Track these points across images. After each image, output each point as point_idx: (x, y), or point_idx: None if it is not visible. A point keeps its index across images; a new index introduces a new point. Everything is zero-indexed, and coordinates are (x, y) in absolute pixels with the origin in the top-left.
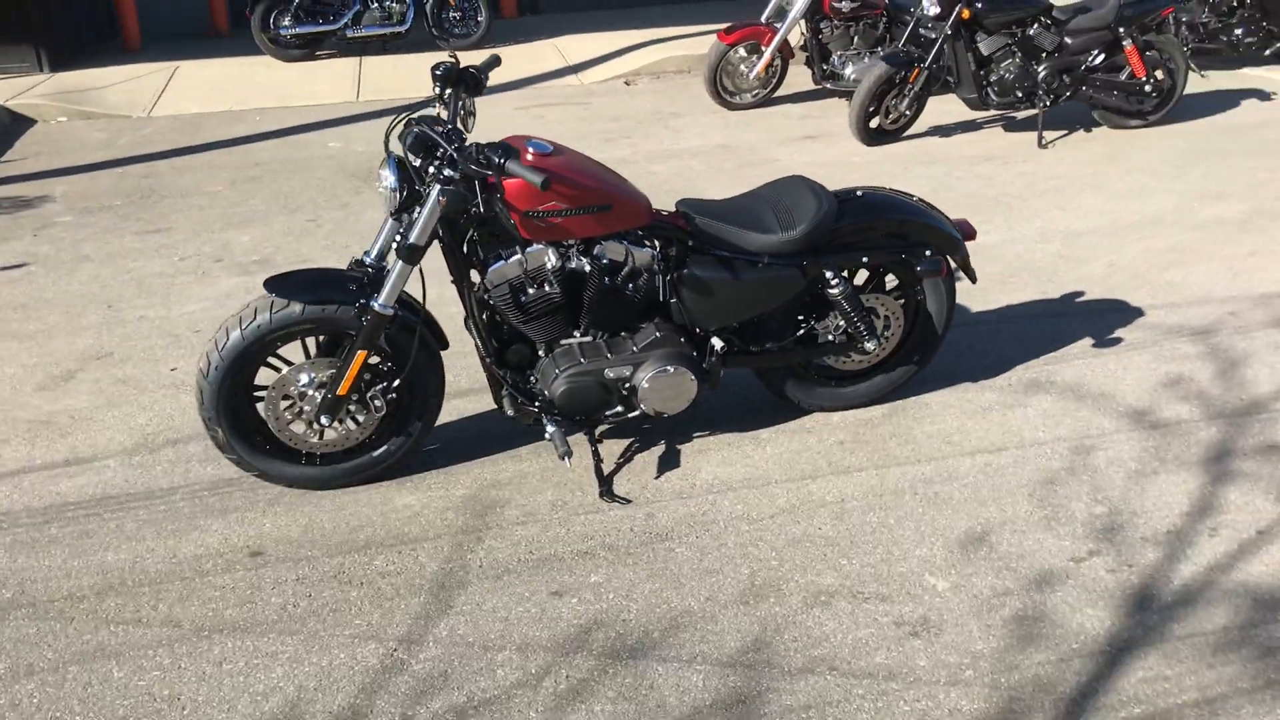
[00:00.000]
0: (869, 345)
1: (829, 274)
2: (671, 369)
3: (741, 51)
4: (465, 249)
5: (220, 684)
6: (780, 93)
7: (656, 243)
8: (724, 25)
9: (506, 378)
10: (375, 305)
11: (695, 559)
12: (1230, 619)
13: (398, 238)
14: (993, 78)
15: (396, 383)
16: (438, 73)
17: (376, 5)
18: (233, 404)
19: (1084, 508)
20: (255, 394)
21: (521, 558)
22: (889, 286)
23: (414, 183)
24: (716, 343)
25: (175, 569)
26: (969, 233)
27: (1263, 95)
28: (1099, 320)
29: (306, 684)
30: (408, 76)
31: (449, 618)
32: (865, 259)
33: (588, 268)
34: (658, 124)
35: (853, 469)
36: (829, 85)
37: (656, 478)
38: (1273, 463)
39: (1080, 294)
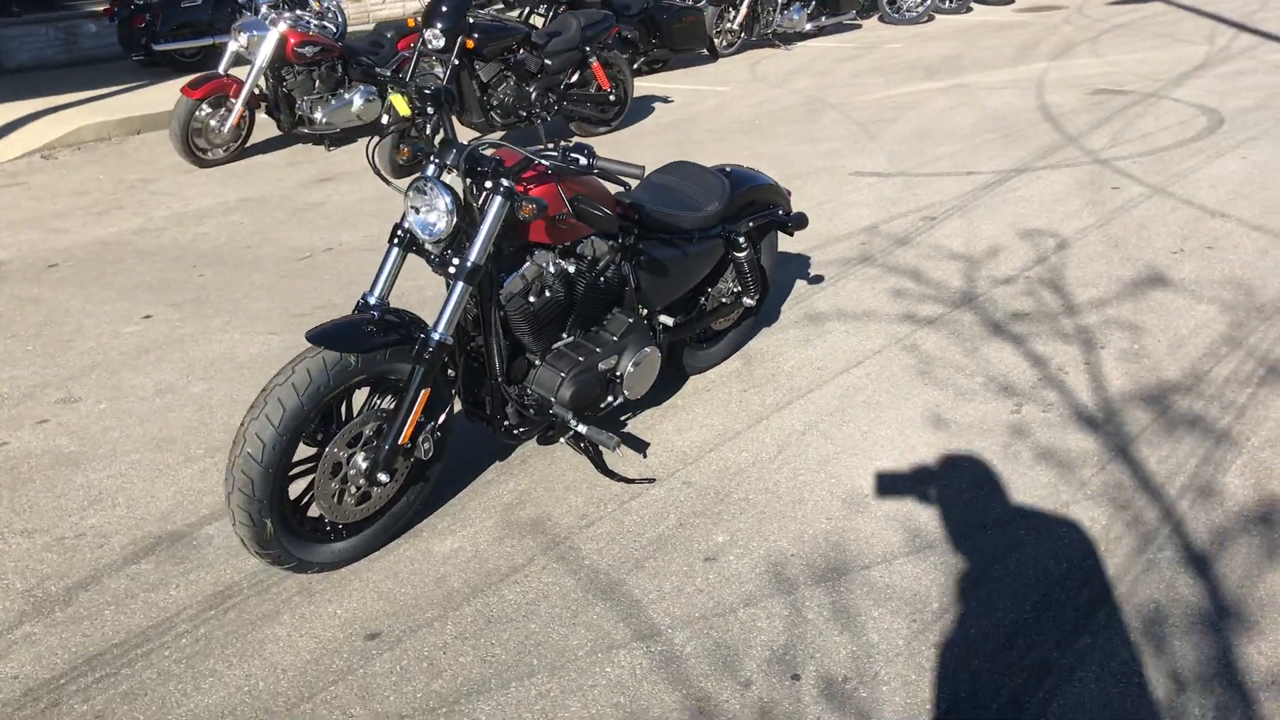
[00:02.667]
0: (750, 301)
1: (740, 240)
2: (647, 350)
3: (206, 107)
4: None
5: None
6: (250, 142)
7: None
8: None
9: (512, 394)
10: (435, 337)
11: (767, 500)
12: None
13: (454, 264)
14: (494, 101)
15: (442, 419)
16: (426, 92)
17: None
18: (282, 487)
19: (969, 378)
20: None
21: (631, 548)
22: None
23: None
24: (667, 320)
25: (316, 676)
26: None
27: (666, 99)
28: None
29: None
30: None
31: (657, 608)
32: (752, 223)
33: (572, 269)
34: (140, 191)
35: (782, 405)
36: (302, 131)
37: (645, 457)
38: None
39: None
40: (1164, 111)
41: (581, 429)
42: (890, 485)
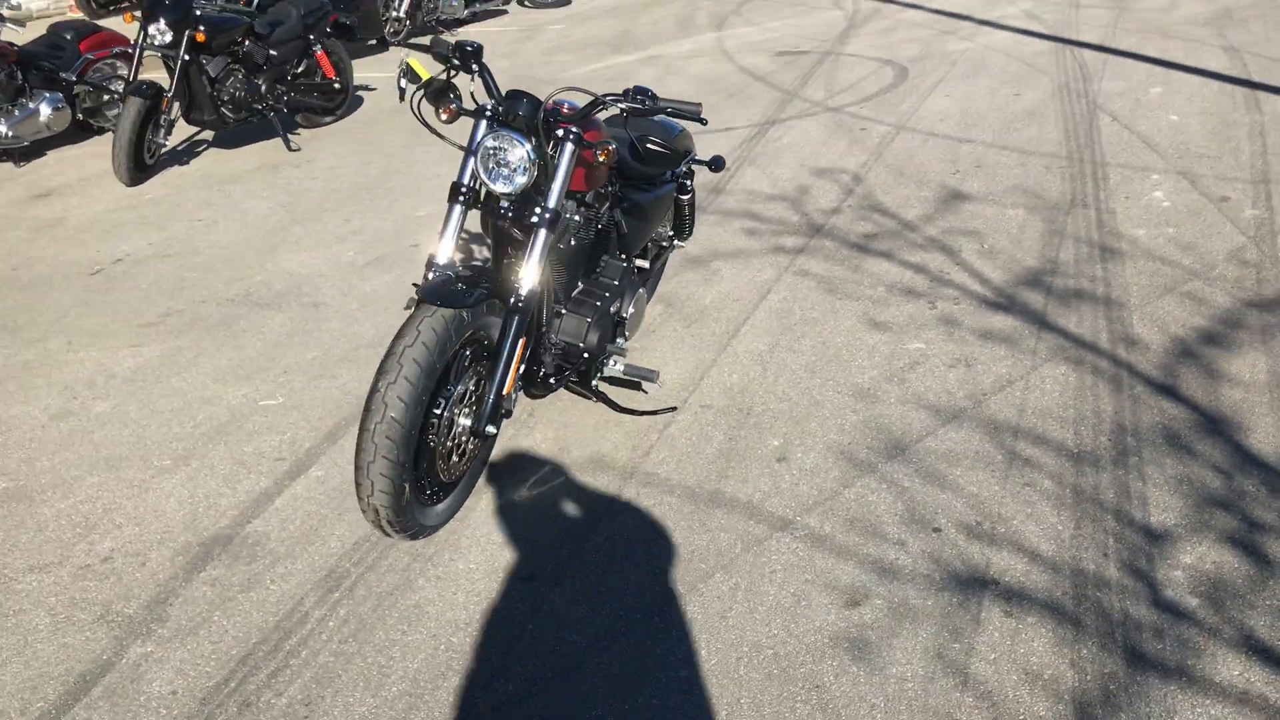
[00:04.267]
0: (682, 242)
1: (687, 183)
2: (641, 292)
3: None
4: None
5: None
6: None
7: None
8: None
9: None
10: (526, 286)
11: (788, 407)
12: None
13: (536, 213)
14: (225, 97)
15: (522, 369)
16: (468, 49)
17: None
18: (416, 450)
19: (872, 289)
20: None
21: (701, 464)
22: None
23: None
24: (643, 263)
25: (506, 620)
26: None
27: (367, 87)
28: None
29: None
30: None
31: (773, 504)
32: (690, 166)
33: (588, 214)
34: None
35: (732, 333)
36: None
37: (645, 393)
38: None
39: None
40: (852, 66)
41: (620, 369)
42: (884, 377)
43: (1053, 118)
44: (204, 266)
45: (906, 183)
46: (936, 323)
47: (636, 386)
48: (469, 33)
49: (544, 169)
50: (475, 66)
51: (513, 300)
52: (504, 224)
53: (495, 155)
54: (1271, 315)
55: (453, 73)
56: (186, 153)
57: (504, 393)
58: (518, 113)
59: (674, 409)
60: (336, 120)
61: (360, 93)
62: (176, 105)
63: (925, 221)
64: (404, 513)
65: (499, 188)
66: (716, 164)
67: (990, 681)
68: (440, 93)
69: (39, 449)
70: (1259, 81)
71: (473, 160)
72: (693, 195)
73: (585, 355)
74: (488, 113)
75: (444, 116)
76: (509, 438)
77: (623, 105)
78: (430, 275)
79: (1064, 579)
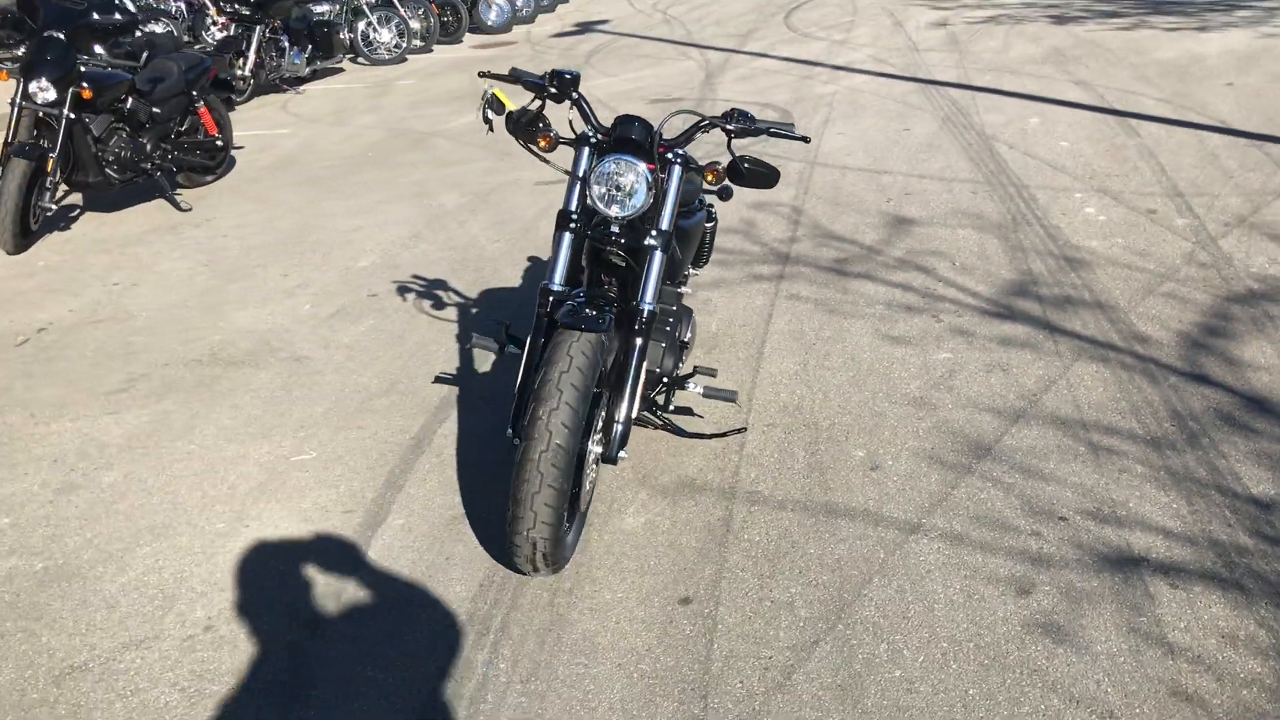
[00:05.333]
0: (696, 271)
1: (713, 209)
2: (694, 316)
3: None
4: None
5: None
6: None
7: None
8: None
9: None
10: (648, 307)
11: (853, 419)
12: None
13: (652, 235)
14: (110, 157)
15: None
16: (566, 77)
17: None
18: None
19: (871, 306)
20: None
21: (797, 480)
22: None
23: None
24: (686, 289)
25: (670, 643)
26: None
27: (237, 146)
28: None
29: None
30: None
31: (891, 509)
32: (707, 197)
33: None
34: None
35: (755, 355)
36: None
37: (702, 417)
38: None
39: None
40: None
41: (700, 390)
42: (929, 386)
43: (952, 148)
44: (148, 330)
45: (848, 212)
46: (950, 334)
47: (689, 411)
48: (314, 91)
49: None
50: (575, 95)
51: (636, 323)
52: (610, 249)
53: (613, 180)
54: (1252, 307)
55: (542, 102)
56: (60, 217)
57: (631, 416)
58: (631, 136)
59: (744, 430)
60: (217, 179)
61: (232, 151)
62: (59, 165)
63: (886, 245)
64: (559, 545)
65: (615, 212)
66: (725, 194)
67: (1194, 647)
68: (531, 122)
69: (61, 525)
70: (1121, 109)
71: (579, 187)
72: (716, 223)
73: (663, 381)
74: (593, 139)
75: (542, 145)
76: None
77: (730, 127)
78: (545, 303)
79: (1205, 550)
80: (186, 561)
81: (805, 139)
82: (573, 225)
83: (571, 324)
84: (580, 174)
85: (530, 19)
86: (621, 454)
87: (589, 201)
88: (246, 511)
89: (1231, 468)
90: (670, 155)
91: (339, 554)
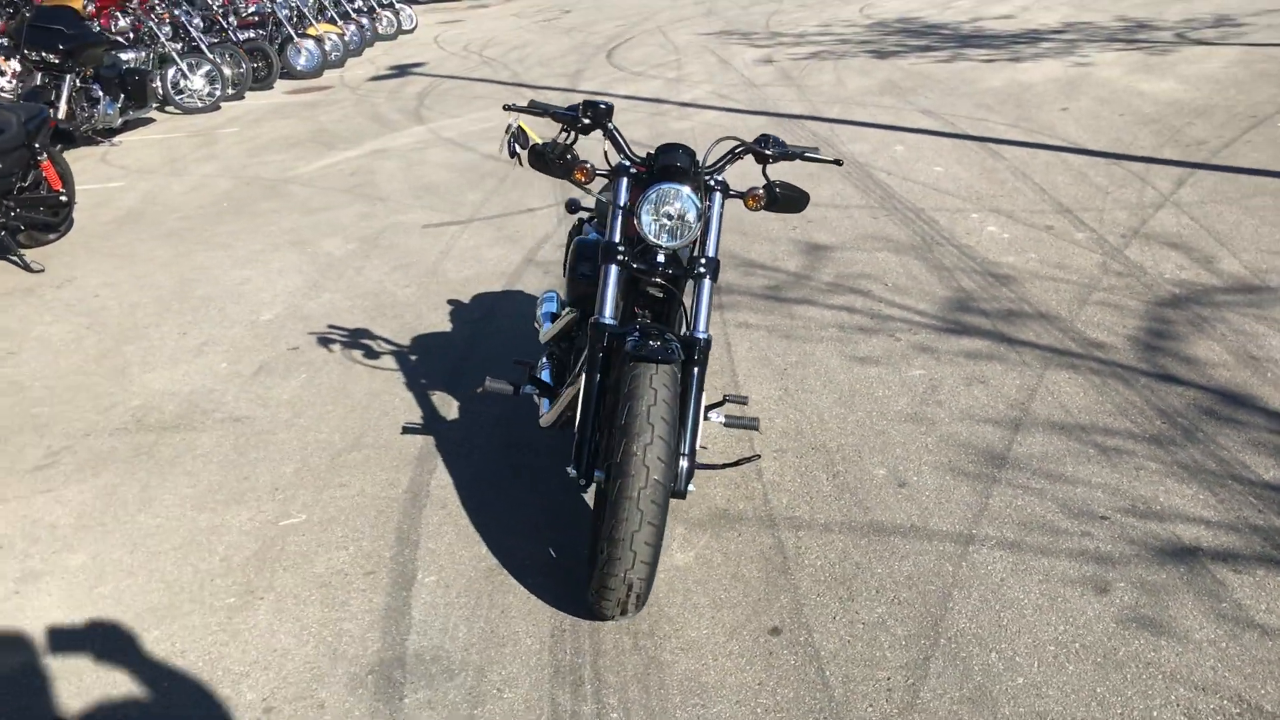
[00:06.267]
0: None
1: None
2: None
3: None
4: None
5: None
6: None
7: None
8: None
9: None
10: (703, 336)
11: (860, 440)
12: None
13: (701, 264)
14: None
15: None
16: (601, 107)
17: None
18: None
19: (825, 330)
20: None
21: (828, 503)
22: None
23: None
24: None
25: (769, 677)
26: None
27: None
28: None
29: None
30: None
31: (936, 523)
32: None
33: None
34: None
35: (728, 384)
36: None
37: (705, 448)
38: None
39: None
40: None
41: (722, 420)
42: (919, 402)
43: (834, 177)
44: (49, 400)
45: (758, 240)
46: (915, 351)
47: None
48: (131, 141)
49: None
50: (610, 125)
51: (694, 354)
52: (654, 281)
53: (663, 209)
54: (1183, 310)
55: (570, 135)
56: None
57: (695, 446)
58: (677, 164)
59: (758, 456)
60: (60, 236)
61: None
62: None
63: (812, 270)
64: (651, 586)
65: (665, 242)
66: None
67: None
68: (560, 155)
69: (40, 617)
70: (976, 135)
71: (620, 218)
72: None
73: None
74: (632, 170)
75: (579, 178)
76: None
77: (768, 152)
78: (601, 338)
79: (1249, 535)
80: (209, 642)
81: (839, 162)
82: (620, 257)
83: (648, 356)
84: (621, 205)
85: (340, 63)
86: (690, 487)
87: (640, 232)
88: (254, 582)
89: (1236, 458)
90: (712, 183)
91: (381, 617)
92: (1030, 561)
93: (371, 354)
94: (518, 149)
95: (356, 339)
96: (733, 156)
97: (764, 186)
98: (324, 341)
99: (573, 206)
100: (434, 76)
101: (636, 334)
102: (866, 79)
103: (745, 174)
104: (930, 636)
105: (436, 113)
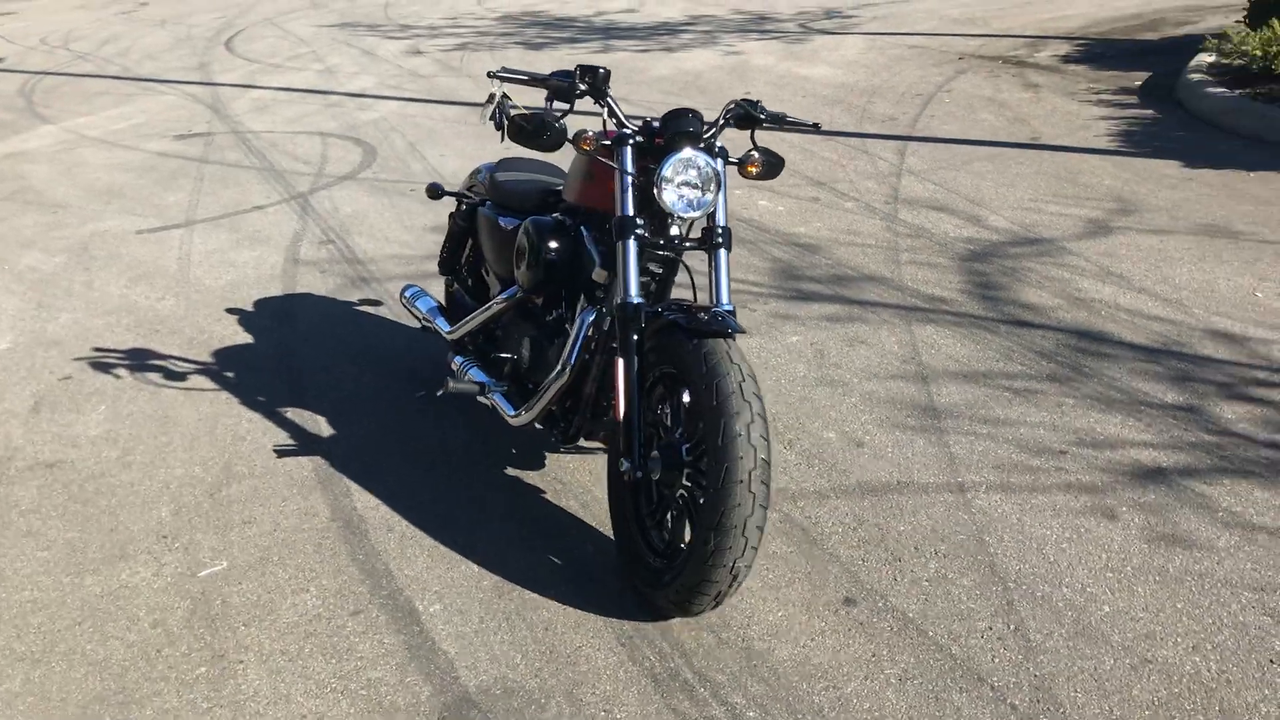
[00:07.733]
0: None
1: None
2: None
3: None
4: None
5: None
6: None
7: None
8: None
9: None
10: (727, 309)
11: (789, 411)
12: None
13: (719, 234)
14: None
15: None
16: (600, 72)
17: None
18: None
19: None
20: None
21: (847, 504)
22: None
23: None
24: None
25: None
26: None
27: None
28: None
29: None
30: None
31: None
32: None
33: None
34: None
35: None
36: None
37: None
38: None
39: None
40: (294, 143)
41: None
42: (815, 365)
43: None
44: None
45: None
46: (777, 319)
47: None
48: None
49: None
50: (608, 89)
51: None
52: (665, 254)
53: (684, 178)
54: (989, 263)
55: (569, 104)
56: None
57: None
58: (688, 130)
59: None
60: None
61: None
62: None
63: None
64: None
65: (685, 211)
66: None
67: None
68: (547, 127)
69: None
70: None
71: (631, 190)
72: None
73: None
74: (636, 138)
75: (585, 149)
76: (594, 499)
77: (762, 116)
78: (637, 318)
79: (1196, 450)
80: (224, 715)
81: (816, 126)
82: (638, 231)
83: (717, 330)
84: (632, 174)
85: None
86: None
87: (660, 204)
88: (216, 645)
89: (1132, 386)
90: (717, 150)
91: (408, 658)
92: (1030, 500)
93: (173, 375)
94: (505, 120)
95: (143, 361)
96: (726, 121)
97: (757, 152)
98: (101, 367)
99: (436, 191)
100: (24, 73)
101: (674, 311)
102: (541, 69)
103: None
104: (997, 582)
105: (60, 111)
